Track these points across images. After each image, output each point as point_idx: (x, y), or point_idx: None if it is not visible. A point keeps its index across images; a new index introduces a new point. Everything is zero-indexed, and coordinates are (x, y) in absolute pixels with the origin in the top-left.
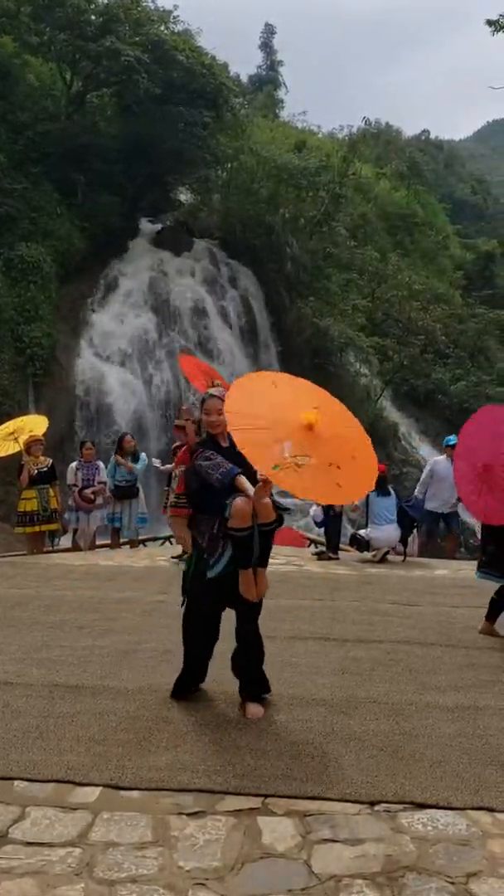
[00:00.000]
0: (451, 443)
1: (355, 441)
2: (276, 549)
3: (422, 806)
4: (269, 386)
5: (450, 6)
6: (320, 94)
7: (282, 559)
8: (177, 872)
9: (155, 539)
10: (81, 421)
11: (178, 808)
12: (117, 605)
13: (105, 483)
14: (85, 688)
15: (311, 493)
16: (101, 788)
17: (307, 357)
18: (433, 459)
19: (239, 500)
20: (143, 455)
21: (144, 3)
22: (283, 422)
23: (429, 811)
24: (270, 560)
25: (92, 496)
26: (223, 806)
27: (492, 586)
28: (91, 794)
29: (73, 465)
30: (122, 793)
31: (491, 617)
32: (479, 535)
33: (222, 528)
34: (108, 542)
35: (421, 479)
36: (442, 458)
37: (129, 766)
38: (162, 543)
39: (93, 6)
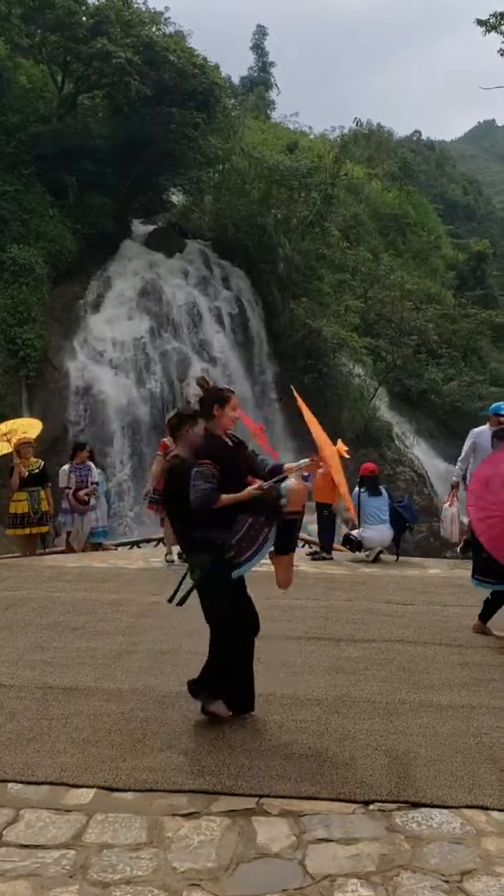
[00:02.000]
0: (501, 411)
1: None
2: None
3: (416, 805)
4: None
5: (443, 7)
6: (312, 96)
7: None
8: (171, 873)
9: (148, 541)
10: (75, 423)
11: (173, 809)
12: (111, 607)
13: (98, 483)
14: (79, 689)
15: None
16: (95, 790)
17: (300, 358)
18: (474, 431)
19: (293, 483)
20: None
21: (135, 5)
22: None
23: (423, 810)
24: (264, 562)
25: (86, 497)
26: (217, 806)
27: None
28: (85, 795)
29: (65, 467)
30: (117, 794)
31: (484, 617)
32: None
33: (261, 523)
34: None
35: (462, 454)
36: (484, 427)
37: (123, 767)
38: (156, 545)
39: (84, 8)
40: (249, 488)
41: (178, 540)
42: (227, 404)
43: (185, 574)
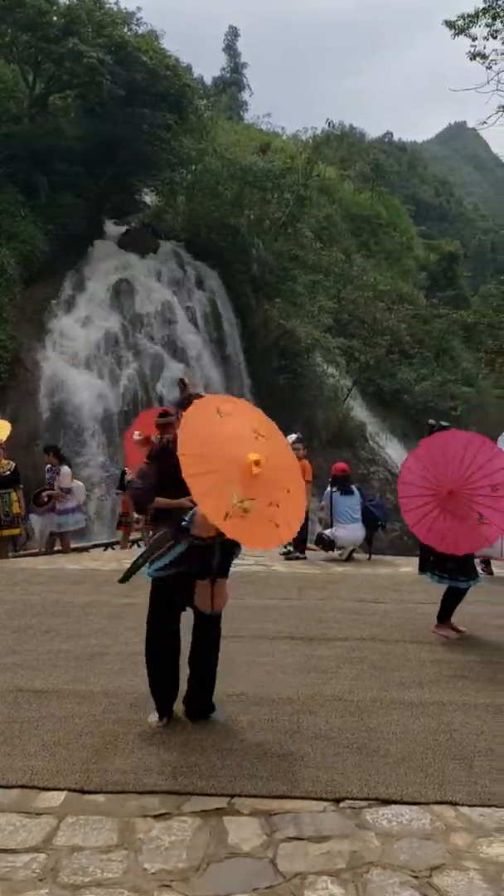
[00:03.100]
0: None
1: (288, 469)
2: (244, 549)
3: (387, 802)
4: (215, 416)
5: (417, 8)
6: (285, 97)
7: (250, 560)
8: (142, 875)
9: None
10: (47, 424)
11: (144, 811)
12: (84, 609)
13: (69, 489)
14: (50, 692)
15: (257, 540)
16: (66, 793)
17: (275, 358)
18: (502, 437)
19: (199, 512)
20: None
21: (107, 5)
22: (232, 460)
23: (393, 807)
24: (239, 561)
25: (45, 499)
26: (189, 807)
27: None
28: (56, 798)
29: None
30: (88, 797)
31: (442, 617)
32: None
33: (170, 535)
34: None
35: None
36: None
37: (94, 769)
38: (131, 546)
39: (55, 7)
40: (184, 498)
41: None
42: None
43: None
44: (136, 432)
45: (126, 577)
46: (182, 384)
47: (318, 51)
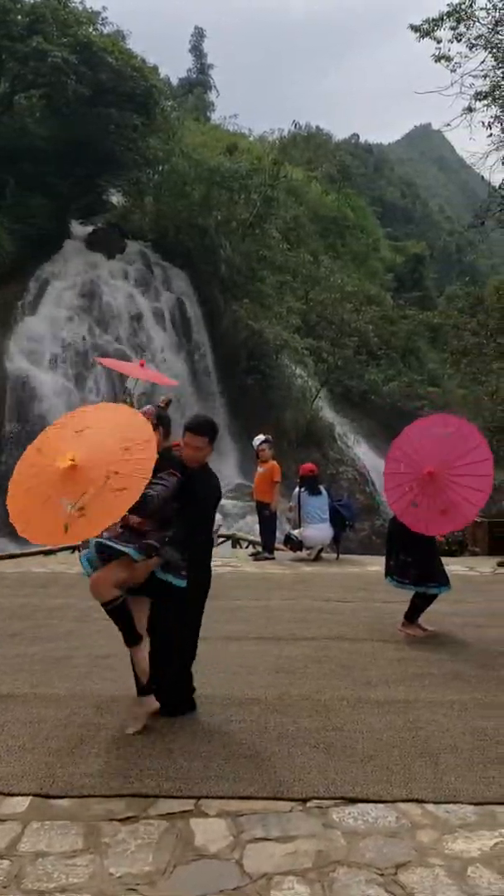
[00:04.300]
0: None
1: (124, 427)
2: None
3: (353, 801)
4: (32, 456)
5: (386, 11)
6: (253, 98)
7: (218, 561)
8: (108, 879)
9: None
10: (12, 425)
11: (110, 814)
12: (50, 612)
13: None
14: (16, 696)
15: (108, 518)
16: (31, 798)
17: (243, 359)
18: None
19: (95, 575)
20: None
21: (72, 4)
22: (48, 482)
23: (360, 805)
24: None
25: None
26: (155, 810)
27: None
28: (21, 804)
29: None
30: (53, 801)
31: (410, 616)
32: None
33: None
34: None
35: None
36: None
37: (60, 774)
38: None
39: (19, 6)
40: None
41: None
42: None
43: None
44: None
45: None
46: (165, 405)
47: (288, 52)
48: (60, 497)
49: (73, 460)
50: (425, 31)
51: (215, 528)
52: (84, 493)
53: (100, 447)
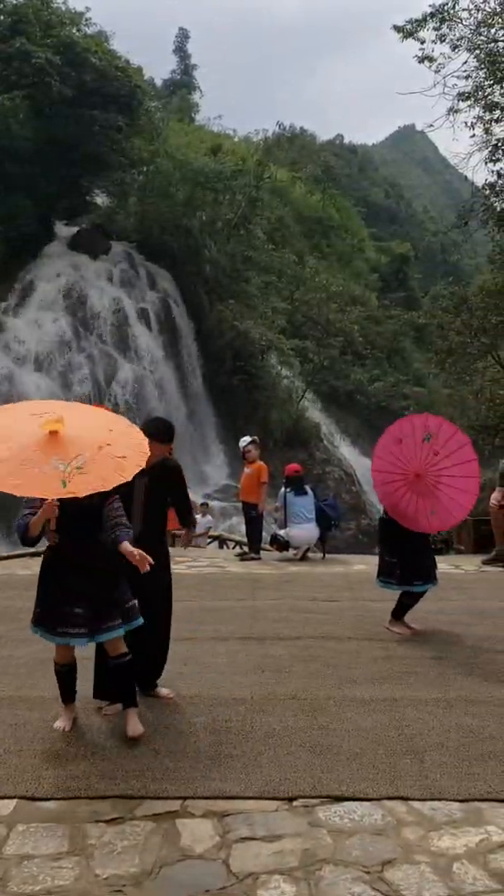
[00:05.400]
0: None
1: (101, 415)
2: (198, 552)
3: (339, 799)
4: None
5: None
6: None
7: (204, 561)
8: (94, 881)
9: None
10: None
11: (96, 816)
12: None
13: None
14: (0, 699)
15: (110, 480)
16: (16, 801)
17: (229, 360)
18: None
19: None
20: None
21: (55, 5)
22: (34, 446)
23: (346, 804)
24: (193, 563)
25: None
26: (141, 811)
27: None
28: (6, 807)
29: None
30: (39, 804)
31: (397, 614)
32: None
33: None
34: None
35: None
36: None
37: (45, 776)
38: None
39: (1, 6)
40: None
41: None
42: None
43: None
44: None
45: None
46: None
47: (273, 54)
48: (50, 458)
49: (58, 422)
50: (408, 31)
51: (205, 529)
52: (78, 455)
53: (83, 428)
